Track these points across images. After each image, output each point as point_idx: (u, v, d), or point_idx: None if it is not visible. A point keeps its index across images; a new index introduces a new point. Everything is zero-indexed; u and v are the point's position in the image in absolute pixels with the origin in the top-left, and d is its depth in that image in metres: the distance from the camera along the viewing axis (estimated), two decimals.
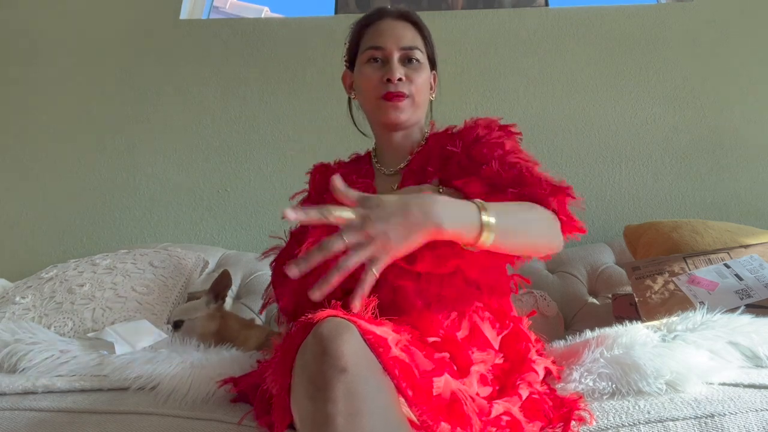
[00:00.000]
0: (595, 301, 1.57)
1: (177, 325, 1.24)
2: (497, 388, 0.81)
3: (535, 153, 2.02)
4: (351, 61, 1.09)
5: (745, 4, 2.04)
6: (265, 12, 2.21)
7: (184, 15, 2.18)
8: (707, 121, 1.95)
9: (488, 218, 0.72)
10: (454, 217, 0.70)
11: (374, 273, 0.66)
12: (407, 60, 1.01)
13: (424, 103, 1.06)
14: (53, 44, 2.17)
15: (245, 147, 2.03)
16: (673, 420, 0.76)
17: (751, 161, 1.91)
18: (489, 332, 0.86)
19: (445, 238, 0.69)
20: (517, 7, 2.11)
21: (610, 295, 1.50)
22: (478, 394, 0.74)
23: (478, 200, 0.74)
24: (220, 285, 1.32)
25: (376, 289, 0.89)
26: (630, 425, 0.76)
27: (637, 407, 0.79)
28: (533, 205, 0.83)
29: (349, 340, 0.61)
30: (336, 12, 2.15)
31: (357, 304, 0.66)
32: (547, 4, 2.12)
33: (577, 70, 2.01)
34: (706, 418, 0.76)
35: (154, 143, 2.05)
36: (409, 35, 1.02)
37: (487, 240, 0.72)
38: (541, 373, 0.85)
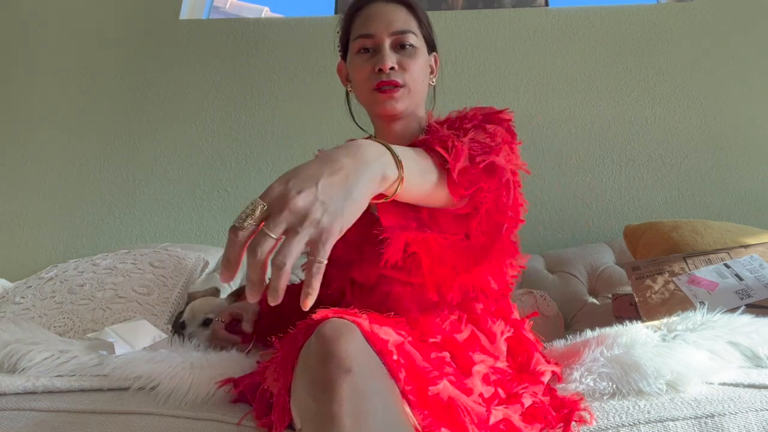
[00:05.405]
0: (595, 301, 1.56)
1: (206, 323, 1.19)
2: (504, 396, 0.79)
3: (535, 153, 2.03)
4: (344, 51, 1.03)
5: (745, 4, 2.04)
6: (265, 12, 2.21)
7: (184, 15, 2.18)
8: (707, 121, 1.95)
9: (396, 150, 0.63)
10: (380, 153, 0.60)
11: (320, 262, 0.51)
12: (400, 46, 0.93)
13: (422, 90, 0.98)
14: (53, 44, 2.16)
15: (245, 147, 2.03)
16: (673, 420, 0.76)
17: (752, 161, 1.91)
18: (490, 335, 0.85)
19: (386, 183, 0.60)
20: (517, 7, 2.11)
21: (610, 295, 1.50)
22: (481, 395, 0.74)
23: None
24: None
25: (367, 294, 0.88)
26: (630, 425, 0.76)
27: (637, 407, 0.79)
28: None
29: (352, 341, 0.61)
30: (336, 12, 2.15)
31: (308, 303, 0.52)
32: (547, 4, 2.12)
33: (577, 70, 2.01)
34: (706, 418, 0.76)
35: (154, 143, 2.05)
36: (400, 18, 0.94)
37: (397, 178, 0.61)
38: (547, 381, 0.85)
